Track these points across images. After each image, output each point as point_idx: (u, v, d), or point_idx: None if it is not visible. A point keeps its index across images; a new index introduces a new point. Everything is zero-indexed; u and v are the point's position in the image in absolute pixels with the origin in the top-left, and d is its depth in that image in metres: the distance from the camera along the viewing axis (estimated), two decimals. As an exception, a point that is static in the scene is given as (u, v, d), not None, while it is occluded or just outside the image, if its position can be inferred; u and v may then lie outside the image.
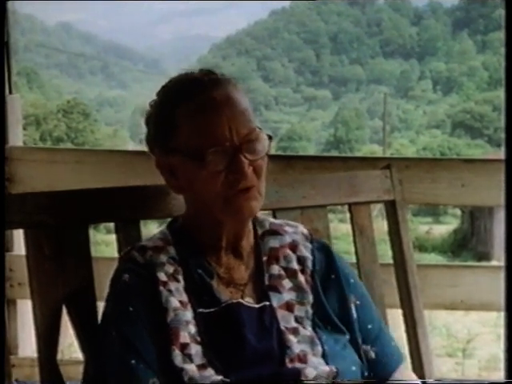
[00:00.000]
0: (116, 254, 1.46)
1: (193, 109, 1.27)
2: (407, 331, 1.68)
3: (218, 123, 1.25)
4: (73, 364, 1.74)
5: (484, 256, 16.86)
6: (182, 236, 1.34)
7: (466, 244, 20.51)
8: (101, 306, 1.43)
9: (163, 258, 1.30)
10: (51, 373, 1.38)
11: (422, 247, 19.33)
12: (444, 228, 23.83)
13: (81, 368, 1.38)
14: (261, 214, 1.44)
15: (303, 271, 1.36)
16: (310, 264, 1.36)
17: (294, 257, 1.37)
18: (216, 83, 1.29)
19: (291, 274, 1.35)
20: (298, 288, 1.34)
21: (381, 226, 1.75)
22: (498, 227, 16.49)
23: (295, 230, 1.40)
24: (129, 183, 1.60)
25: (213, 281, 1.30)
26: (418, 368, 1.64)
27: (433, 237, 22.47)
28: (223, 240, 1.32)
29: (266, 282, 1.33)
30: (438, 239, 22.26)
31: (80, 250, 1.42)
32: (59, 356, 1.39)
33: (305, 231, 1.41)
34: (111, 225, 1.49)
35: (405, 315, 1.68)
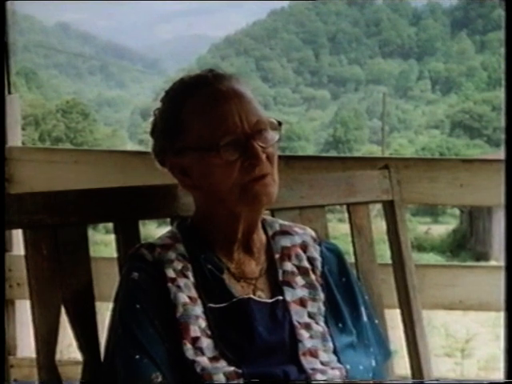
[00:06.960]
0: (115, 255, 1.46)
1: (200, 103, 1.28)
2: (405, 331, 1.68)
3: (228, 112, 1.26)
4: (71, 364, 1.74)
5: (483, 256, 16.90)
6: (191, 234, 1.35)
7: (465, 244, 20.55)
8: (100, 306, 1.43)
9: (172, 255, 1.31)
10: (50, 373, 1.38)
11: (420, 247, 19.36)
12: (443, 228, 23.86)
13: (79, 368, 1.39)
14: (269, 217, 1.46)
15: (313, 271, 1.38)
16: (319, 265, 1.39)
17: (304, 256, 1.39)
18: (219, 77, 1.31)
19: (303, 271, 1.37)
20: (310, 285, 1.36)
21: (379, 225, 1.75)
22: (496, 227, 16.52)
23: (304, 232, 1.43)
24: (127, 183, 1.60)
25: (223, 275, 1.31)
26: (417, 368, 1.65)
27: (431, 237, 22.51)
28: (239, 233, 1.32)
29: (280, 278, 1.35)
30: (437, 239, 22.29)
31: (79, 250, 1.42)
32: (58, 356, 1.39)
33: (313, 234, 1.44)
34: (110, 225, 1.49)
35: (403, 315, 1.69)
